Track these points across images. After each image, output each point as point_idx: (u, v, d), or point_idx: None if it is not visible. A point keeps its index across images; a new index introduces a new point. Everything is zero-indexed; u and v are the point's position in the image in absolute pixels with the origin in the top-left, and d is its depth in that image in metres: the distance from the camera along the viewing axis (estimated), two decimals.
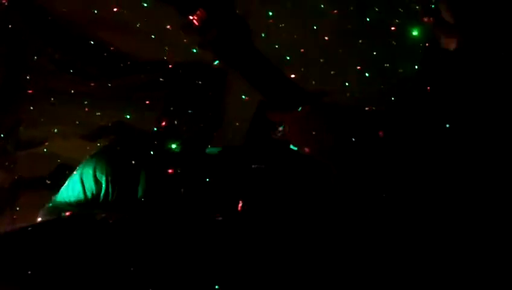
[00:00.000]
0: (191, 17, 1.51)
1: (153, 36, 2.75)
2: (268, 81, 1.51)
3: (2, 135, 2.90)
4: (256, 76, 1.51)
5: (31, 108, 2.92)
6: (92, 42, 2.88)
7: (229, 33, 1.49)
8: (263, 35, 1.71)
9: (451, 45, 1.52)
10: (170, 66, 2.65)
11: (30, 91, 2.89)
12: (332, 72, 2.21)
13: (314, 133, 1.47)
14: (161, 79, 2.81)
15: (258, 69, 1.51)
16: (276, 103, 1.52)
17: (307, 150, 1.49)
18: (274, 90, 1.52)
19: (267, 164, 2.04)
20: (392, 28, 2.10)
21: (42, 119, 2.93)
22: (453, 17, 1.52)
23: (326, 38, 2.27)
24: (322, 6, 2.28)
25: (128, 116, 2.97)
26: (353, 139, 1.43)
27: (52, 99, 2.90)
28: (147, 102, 2.93)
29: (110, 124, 2.97)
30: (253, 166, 2.08)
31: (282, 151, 1.99)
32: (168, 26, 2.45)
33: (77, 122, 2.96)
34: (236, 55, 1.50)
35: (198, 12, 1.51)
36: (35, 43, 2.91)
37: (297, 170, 2.02)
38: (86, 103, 2.93)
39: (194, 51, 1.56)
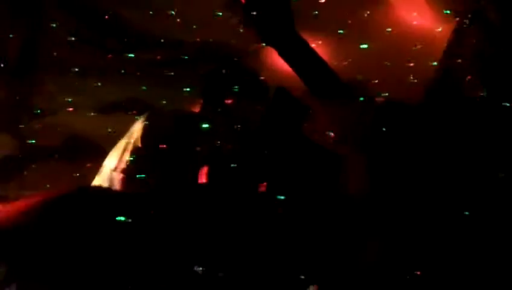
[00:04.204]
0: None
1: (172, 12, 2.73)
2: (307, 66, 1.52)
3: (16, 104, 2.90)
4: (296, 59, 1.51)
5: (47, 78, 2.92)
6: (111, 16, 2.86)
7: (273, 13, 1.49)
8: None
9: (494, 47, 1.52)
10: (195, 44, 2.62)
11: (46, 61, 2.88)
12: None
13: (347, 122, 1.47)
14: (181, 57, 2.80)
15: (299, 53, 1.51)
16: (313, 88, 1.52)
17: (336, 138, 1.49)
18: (313, 76, 1.52)
19: (280, 150, 2.03)
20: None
21: (56, 90, 2.92)
22: (501, 18, 1.51)
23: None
24: None
25: (142, 92, 2.96)
26: (384, 131, 1.44)
27: (68, 70, 2.89)
28: (162, 79, 2.93)
29: (124, 99, 2.96)
30: (266, 152, 2.07)
31: (296, 139, 1.98)
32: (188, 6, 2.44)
33: (91, 95, 2.95)
34: (279, 36, 1.50)
35: None
36: (55, 13, 2.89)
37: (308, 159, 2.01)
38: (101, 76, 2.92)
39: None
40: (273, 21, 1.50)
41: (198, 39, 2.85)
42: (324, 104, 1.53)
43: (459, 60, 1.72)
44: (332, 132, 1.51)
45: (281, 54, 1.54)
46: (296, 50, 1.53)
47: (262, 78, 1.87)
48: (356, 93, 1.53)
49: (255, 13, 1.49)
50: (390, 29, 2.23)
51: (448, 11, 2.25)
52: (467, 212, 1.40)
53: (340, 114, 1.51)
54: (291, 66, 1.55)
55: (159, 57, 2.94)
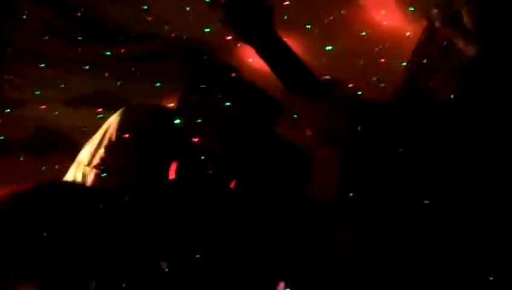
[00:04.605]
0: None
1: (145, 7, 2.72)
2: (286, 64, 1.52)
3: None
4: (274, 58, 1.52)
5: (16, 68, 2.88)
6: (84, 8, 2.84)
7: (252, 11, 1.49)
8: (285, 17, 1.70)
9: (471, 51, 1.54)
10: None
11: (15, 52, 2.84)
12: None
13: (324, 120, 1.49)
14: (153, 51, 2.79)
15: (276, 52, 1.51)
16: (290, 86, 1.53)
17: (314, 136, 1.51)
18: (291, 74, 1.53)
19: (251, 147, 2.05)
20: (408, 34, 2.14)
21: (26, 81, 2.89)
22: (476, 23, 1.53)
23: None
24: None
25: (112, 86, 2.94)
26: (361, 130, 1.45)
27: (38, 61, 2.85)
28: (133, 73, 2.91)
29: (94, 93, 2.94)
30: (236, 147, 2.08)
31: (267, 136, 2.00)
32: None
33: (61, 88, 2.92)
34: (257, 35, 1.50)
35: None
36: (26, 4, 2.85)
37: (279, 156, 2.03)
38: (72, 69, 2.89)
39: None
40: (253, 20, 1.50)
41: (172, 34, 2.85)
42: (301, 102, 1.54)
43: (426, 60, 1.74)
44: (310, 130, 1.53)
45: (259, 52, 1.54)
46: (274, 48, 1.54)
47: (240, 75, 1.88)
48: (333, 92, 1.55)
49: (234, 11, 1.49)
50: (365, 33, 2.27)
51: (412, 8, 2.29)
52: (428, 202, 1.42)
53: (317, 112, 1.52)
54: (269, 64, 1.55)
55: (130, 51, 2.93)
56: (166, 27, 2.74)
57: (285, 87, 1.55)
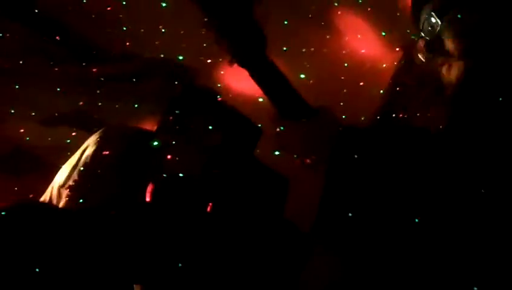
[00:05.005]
0: None
1: (124, 28, 2.72)
2: (277, 89, 1.55)
3: None
4: (267, 82, 1.54)
5: None
6: (62, 26, 2.82)
7: (245, 34, 1.51)
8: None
9: (453, 76, 1.57)
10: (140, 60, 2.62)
11: None
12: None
13: (313, 144, 1.51)
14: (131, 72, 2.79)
15: (269, 75, 1.53)
16: (282, 111, 1.56)
17: (301, 159, 1.53)
18: (283, 99, 1.55)
19: (230, 171, 2.05)
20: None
21: (1, 100, 2.85)
22: (458, 48, 1.56)
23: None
24: None
25: (89, 105, 2.92)
26: (348, 155, 1.48)
27: (15, 80, 2.82)
28: (110, 93, 2.90)
29: (71, 113, 2.92)
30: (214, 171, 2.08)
31: (246, 160, 2.00)
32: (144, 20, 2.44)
33: (36, 106, 2.89)
34: (250, 58, 1.52)
35: None
36: (4, 20, 2.83)
37: (256, 181, 2.03)
38: (47, 87, 2.86)
39: None
40: (246, 42, 1.52)
41: (152, 55, 2.85)
42: (290, 125, 1.57)
43: (403, 88, 1.78)
44: (297, 153, 1.56)
45: (252, 76, 1.56)
46: (267, 72, 1.56)
47: (221, 99, 1.88)
48: (320, 116, 1.58)
49: (228, 33, 1.50)
50: (346, 64, 2.31)
51: (384, 33, 2.34)
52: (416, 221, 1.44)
53: (305, 135, 1.55)
54: (262, 87, 1.57)
55: (109, 71, 2.92)
56: (147, 48, 2.75)
57: (276, 111, 1.57)
